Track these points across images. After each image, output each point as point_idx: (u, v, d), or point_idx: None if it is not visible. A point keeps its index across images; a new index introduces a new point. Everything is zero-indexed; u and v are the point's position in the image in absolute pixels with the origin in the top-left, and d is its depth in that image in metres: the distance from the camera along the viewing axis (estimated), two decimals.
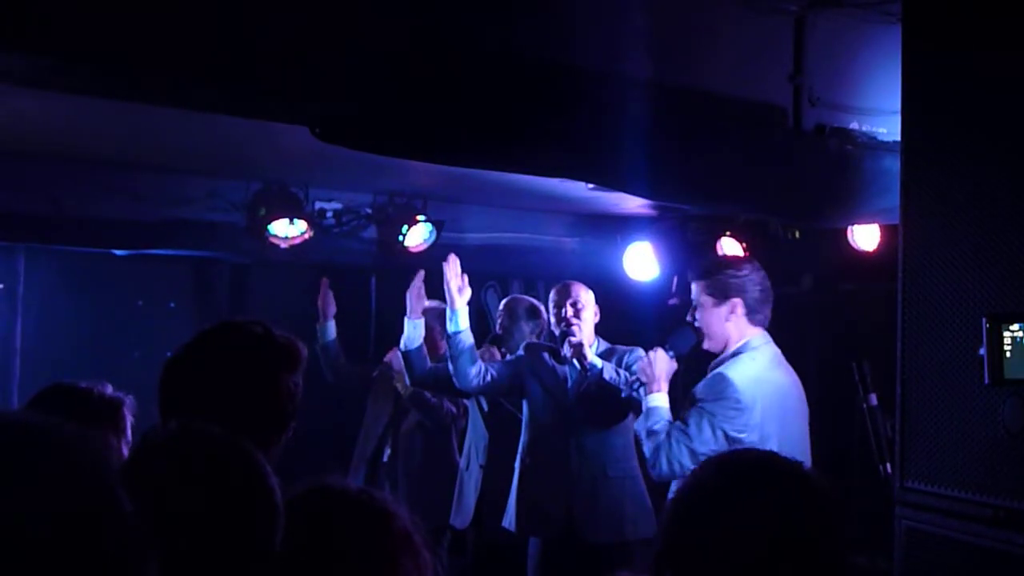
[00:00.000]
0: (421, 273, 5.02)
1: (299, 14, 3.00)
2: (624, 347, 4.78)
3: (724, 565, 1.48)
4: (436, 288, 4.92)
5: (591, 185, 5.26)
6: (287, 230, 5.83)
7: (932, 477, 2.84)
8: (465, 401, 5.53)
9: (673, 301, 6.48)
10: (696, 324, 3.85)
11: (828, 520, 1.54)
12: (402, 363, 5.15)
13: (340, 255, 6.27)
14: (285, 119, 3.71)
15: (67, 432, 0.99)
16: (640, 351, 4.67)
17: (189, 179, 5.73)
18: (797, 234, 6.00)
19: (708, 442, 3.57)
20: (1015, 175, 2.64)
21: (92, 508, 0.95)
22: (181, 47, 2.89)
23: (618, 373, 4.54)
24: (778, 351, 3.84)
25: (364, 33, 3.10)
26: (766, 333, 3.83)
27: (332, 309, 5.82)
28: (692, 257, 5.75)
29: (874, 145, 3.90)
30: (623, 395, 4.45)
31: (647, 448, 3.72)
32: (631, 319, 6.10)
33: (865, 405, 3.47)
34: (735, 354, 3.76)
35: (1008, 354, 2.47)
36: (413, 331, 4.95)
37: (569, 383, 4.75)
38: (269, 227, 5.78)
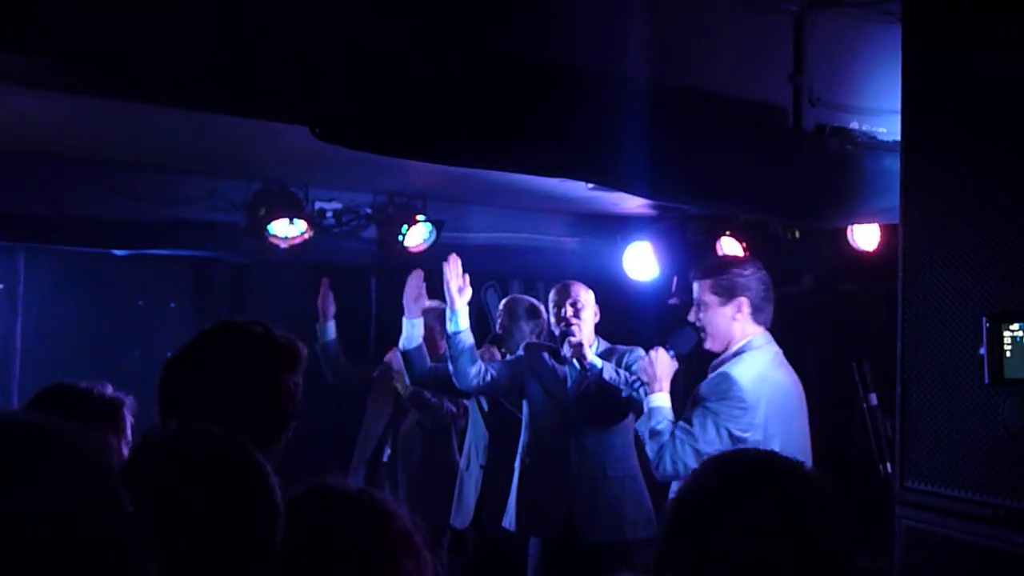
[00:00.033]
0: (419, 273, 5.02)
1: (299, 14, 3.00)
2: (624, 347, 4.78)
3: (725, 565, 1.48)
4: (436, 288, 4.92)
5: (591, 185, 5.26)
6: (287, 230, 5.83)
7: (932, 477, 2.84)
8: (465, 401, 5.53)
9: (673, 301, 6.48)
10: (699, 324, 3.85)
11: (830, 520, 1.54)
12: (402, 363, 5.15)
13: (340, 255, 6.27)
14: (285, 119, 3.71)
15: (67, 432, 0.99)
16: (640, 351, 4.66)
17: (189, 179, 5.72)
18: (797, 234, 6.00)
19: (713, 442, 3.57)
20: (1015, 175, 2.64)
21: (92, 508, 0.95)
22: (181, 47, 2.89)
23: (618, 373, 4.54)
24: (779, 351, 3.84)
25: (364, 33, 3.10)
26: (767, 333, 3.83)
27: (332, 309, 5.83)
28: (693, 257, 5.75)
29: (874, 145, 3.90)
30: (623, 395, 4.45)
31: (650, 449, 3.71)
32: (631, 319, 6.10)
33: (865, 405, 3.47)
34: (737, 353, 3.76)
35: (1008, 354, 2.47)
36: (412, 331, 4.95)
37: (569, 383, 4.75)
38: (269, 227, 5.78)
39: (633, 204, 6.13)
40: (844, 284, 6.02)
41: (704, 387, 3.73)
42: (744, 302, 3.78)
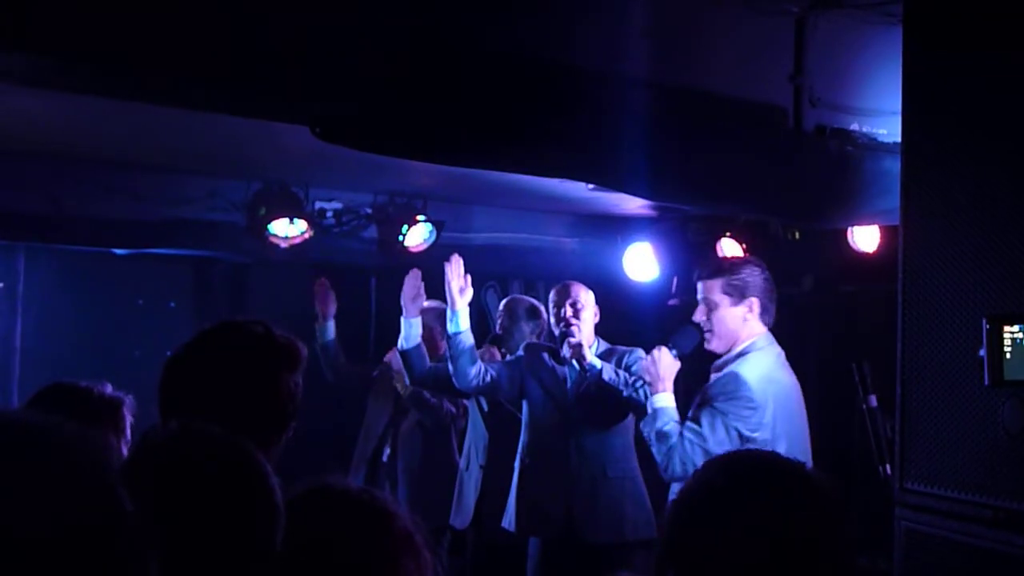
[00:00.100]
0: (417, 272, 5.02)
1: (299, 14, 3.00)
2: (624, 347, 4.78)
3: (727, 565, 1.48)
4: (437, 288, 4.92)
5: (591, 185, 5.26)
6: (287, 230, 5.83)
7: (932, 478, 2.84)
8: (465, 401, 5.53)
9: (673, 302, 6.48)
10: (706, 324, 3.82)
11: (832, 520, 1.54)
12: (401, 363, 5.15)
13: (340, 255, 6.27)
14: (285, 119, 3.71)
15: (67, 432, 0.99)
16: (640, 352, 4.66)
17: (189, 179, 5.73)
18: (797, 235, 6.00)
19: (723, 442, 3.55)
20: (1016, 176, 2.64)
21: (92, 508, 0.95)
22: (181, 47, 2.89)
23: (617, 374, 4.54)
24: (782, 351, 3.84)
25: (364, 33, 3.10)
26: (770, 334, 3.83)
27: (332, 308, 5.83)
28: (694, 258, 5.75)
29: (874, 146, 3.90)
30: (624, 394, 4.45)
31: (658, 451, 3.69)
32: (631, 319, 6.10)
33: (865, 406, 3.46)
34: (742, 354, 3.75)
35: (1008, 355, 2.47)
36: (410, 330, 4.95)
37: (569, 384, 4.75)
38: (269, 227, 5.78)
39: (633, 205, 6.13)
40: (844, 285, 6.01)
41: (712, 387, 3.72)
42: (755, 302, 3.78)
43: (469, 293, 4.76)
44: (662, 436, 3.67)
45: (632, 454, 4.79)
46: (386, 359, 5.70)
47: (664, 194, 4.70)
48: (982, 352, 2.49)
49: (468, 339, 4.75)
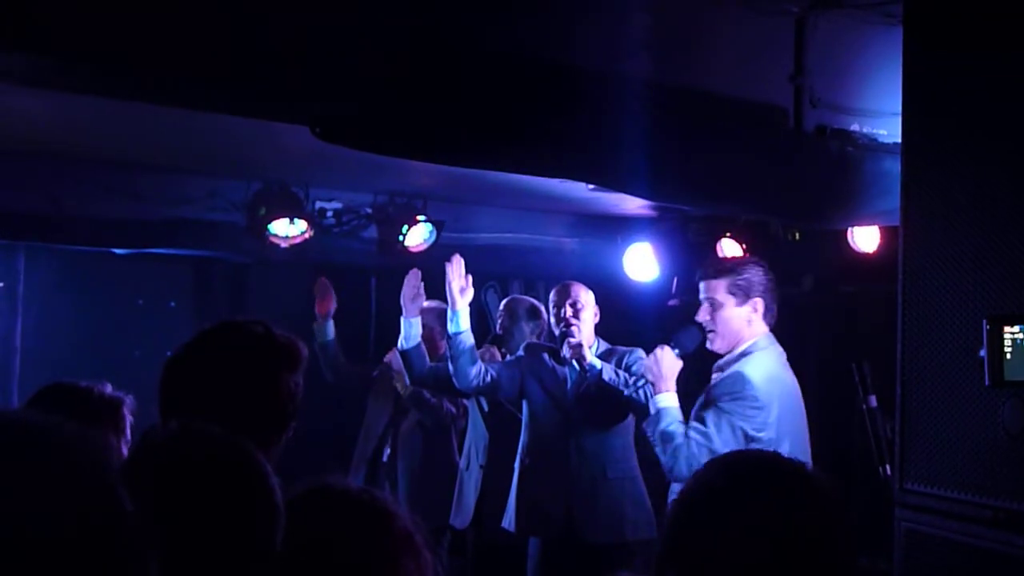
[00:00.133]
0: (416, 272, 5.02)
1: (299, 14, 3.00)
2: (624, 348, 4.78)
3: (728, 566, 1.48)
4: (437, 288, 4.92)
5: (591, 185, 5.26)
6: (287, 230, 5.83)
7: (932, 479, 2.84)
8: (465, 401, 5.53)
9: (673, 302, 6.48)
10: (709, 323, 3.81)
11: (833, 520, 1.54)
12: (401, 363, 5.15)
13: (340, 255, 6.27)
14: (285, 119, 3.71)
15: (67, 431, 0.99)
16: (640, 352, 4.67)
17: (189, 178, 5.73)
18: (797, 235, 6.00)
19: (728, 442, 3.54)
20: (1016, 176, 2.64)
21: (92, 508, 0.95)
22: (181, 47, 2.89)
23: (617, 374, 4.54)
24: (783, 351, 3.84)
25: (364, 33, 3.10)
26: (771, 334, 3.83)
27: (331, 308, 5.83)
28: (694, 258, 5.75)
29: (875, 147, 3.90)
30: (626, 393, 4.44)
31: (662, 451, 3.67)
32: (631, 319, 6.10)
33: (865, 406, 3.47)
34: (745, 354, 3.74)
35: (1008, 356, 2.47)
36: (410, 330, 4.95)
37: (569, 384, 4.75)
38: (269, 227, 5.78)
39: (633, 205, 6.13)
40: (844, 285, 6.01)
41: (717, 387, 3.70)
42: (759, 303, 3.78)
43: (470, 293, 4.75)
44: (667, 437, 3.66)
45: (632, 454, 4.79)
46: (386, 359, 5.70)
47: (664, 194, 4.70)
48: (983, 352, 2.49)
49: (468, 339, 4.74)
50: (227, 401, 2.04)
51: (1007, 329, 2.48)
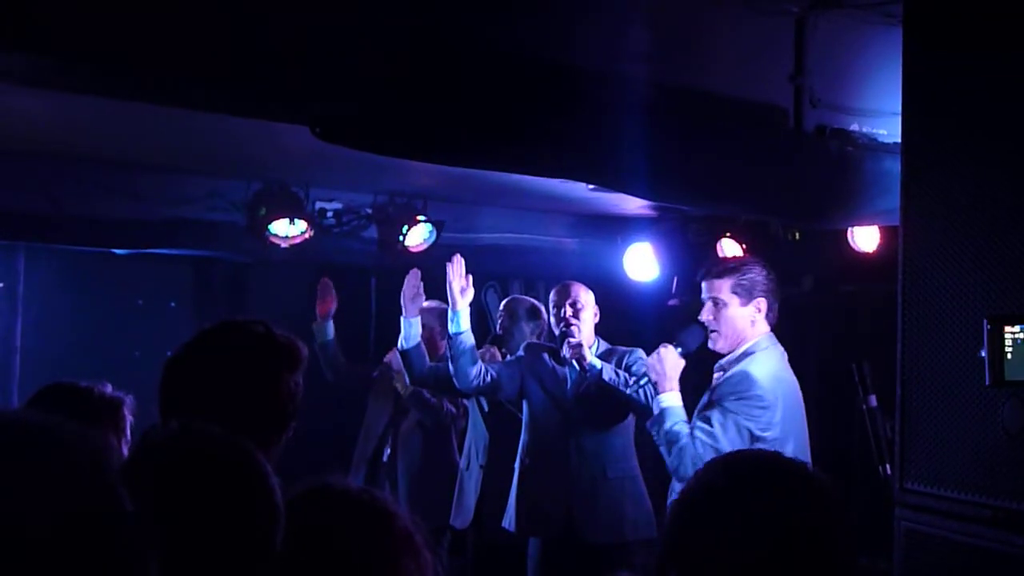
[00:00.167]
0: (416, 272, 5.02)
1: (299, 14, 3.00)
2: (624, 348, 4.78)
3: (728, 566, 1.48)
4: (438, 288, 4.91)
5: (591, 185, 5.26)
6: (287, 230, 5.83)
7: (932, 478, 2.84)
8: (465, 401, 5.53)
9: (673, 302, 6.48)
10: (712, 323, 3.80)
11: (834, 520, 1.54)
12: (401, 363, 5.15)
13: (340, 255, 6.27)
14: (285, 119, 3.71)
15: (67, 431, 0.99)
16: (640, 352, 4.67)
17: (189, 178, 5.73)
18: (797, 235, 6.00)
19: (734, 442, 3.53)
20: (1016, 176, 2.64)
21: (92, 508, 0.95)
22: (181, 47, 2.89)
23: (617, 374, 4.54)
24: (784, 351, 3.83)
25: (364, 33, 3.10)
26: (772, 334, 3.83)
27: (332, 308, 5.84)
28: (694, 258, 5.76)
29: (875, 146, 3.90)
30: (629, 391, 4.43)
31: (667, 451, 3.65)
32: (631, 319, 6.10)
33: (865, 406, 3.46)
34: (749, 353, 3.74)
35: (1009, 356, 2.47)
36: (410, 330, 4.95)
37: (569, 384, 4.75)
38: (269, 227, 5.79)
39: (633, 205, 6.13)
40: (844, 285, 6.01)
41: (722, 386, 3.69)
42: (763, 302, 3.78)
43: (470, 293, 4.75)
44: (672, 437, 3.64)
45: (632, 454, 4.79)
46: (386, 359, 5.70)
47: (664, 194, 4.70)
48: (983, 352, 2.49)
49: (469, 339, 4.74)
50: (227, 401, 2.04)
51: (1008, 329, 2.48)
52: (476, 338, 4.87)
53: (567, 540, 4.69)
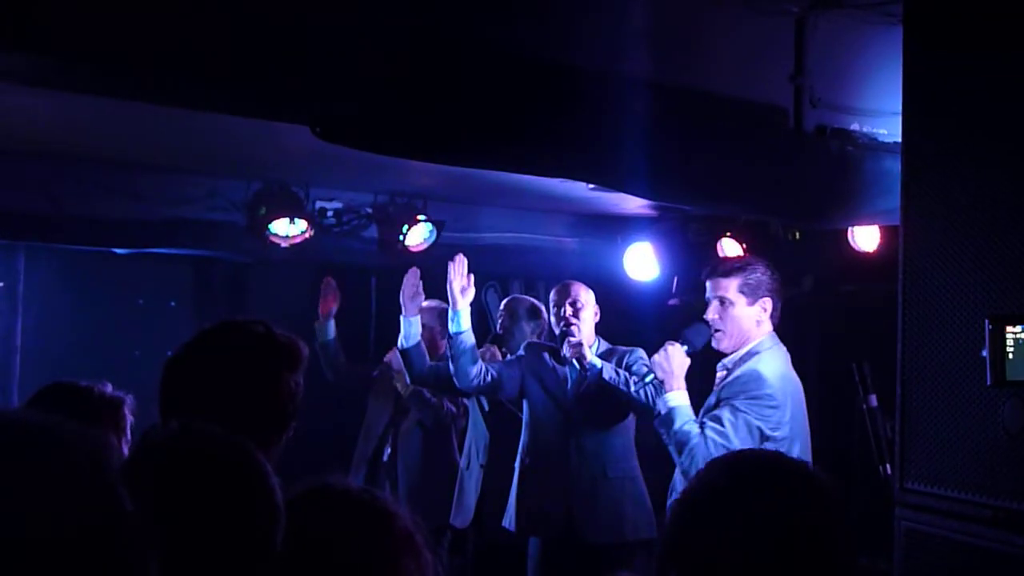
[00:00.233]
0: (415, 271, 5.02)
1: (299, 14, 3.00)
2: (624, 348, 4.78)
3: (730, 566, 1.48)
4: (438, 288, 4.91)
5: (591, 185, 5.26)
6: (288, 229, 5.84)
7: (932, 478, 2.84)
8: (465, 401, 5.53)
9: (673, 301, 6.48)
10: (718, 322, 3.79)
11: (835, 521, 1.54)
12: (401, 362, 5.15)
13: (341, 254, 6.27)
14: (286, 118, 3.71)
15: (67, 431, 0.99)
16: (641, 352, 4.67)
17: (189, 178, 5.73)
18: (797, 235, 6.00)
19: (745, 441, 3.52)
20: (1017, 176, 2.64)
21: (92, 508, 0.95)
22: (181, 47, 2.89)
23: (618, 373, 4.54)
24: (787, 351, 3.83)
25: (364, 33, 3.10)
26: (775, 334, 3.83)
27: (334, 308, 5.84)
28: (694, 258, 5.76)
29: (875, 146, 3.90)
30: (633, 390, 4.43)
31: (677, 452, 3.62)
32: (631, 319, 6.10)
33: (865, 406, 3.46)
34: (755, 353, 3.73)
35: (1010, 356, 2.47)
36: (409, 329, 4.95)
37: (569, 383, 4.75)
38: (270, 226, 5.79)
39: (633, 205, 6.13)
40: (844, 285, 6.02)
41: (731, 385, 3.68)
42: (768, 302, 3.78)
43: (471, 293, 4.75)
44: (683, 437, 3.61)
45: (632, 454, 4.79)
46: (386, 359, 5.70)
47: (664, 194, 4.70)
48: (984, 352, 2.49)
49: (469, 339, 4.74)
50: (227, 401, 2.04)
51: (1009, 329, 2.48)
52: (476, 337, 4.87)
53: (567, 540, 4.69)
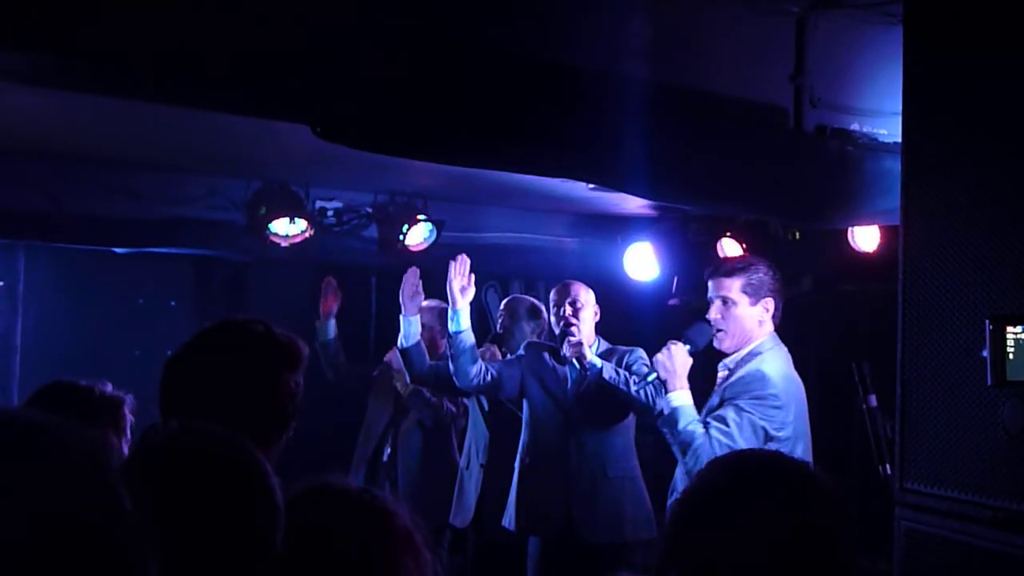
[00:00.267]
0: (414, 270, 5.02)
1: (299, 14, 3.00)
2: (624, 347, 4.78)
3: (730, 566, 1.48)
4: (438, 288, 4.91)
5: (591, 185, 5.26)
6: (288, 229, 5.84)
7: (932, 478, 2.84)
8: (465, 400, 5.53)
9: (673, 301, 6.48)
10: (720, 322, 3.79)
11: (835, 520, 1.54)
12: (401, 362, 5.15)
13: (340, 254, 6.27)
14: (286, 118, 3.71)
15: (67, 431, 0.99)
16: (641, 351, 4.67)
17: (189, 177, 5.73)
18: (797, 235, 6.00)
19: (750, 441, 3.52)
20: (1017, 176, 2.64)
21: (92, 508, 0.95)
22: (181, 47, 2.89)
23: (618, 372, 4.54)
24: (788, 351, 3.83)
25: (364, 33, 3.10)
26: (775, 334, 3.83)
27: (335, 307, 5.84)
28: (698, 257, 5.75)
29: (875, 146, 3.90)
30: (635, 389, 4.42)
31: (682, 452, 3.62)
32: (631, 319, 6.10)
33: (865, 406, 3.46)
34: (757, 353, 3.73)
35: (1011, 356, 2.47)
36: (409, 328, 4.95)
37: (569, 383, 4.75)
38: (270, 226, 5.79)
39: (634, 204, 6.13)
40: (844, 285, 6.01)
41: (735, 385, 3.68)
42: (771, 302, 3.78)
43: (471, 292, 4.75)
44: (687, 437, 3.61)
45: (632, 453, 4.79)
46: (386, 359, 5.70)
47: (664, 194, 4.70)
48: (985, 353, 2.49)
49: (469, 338, 4.75)
50: (227, 400, 2.04)
51: (1010, 329, 2.48)
52: (476, 337, 4.87)
53: (567, 539, 4.69)
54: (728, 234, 6.05)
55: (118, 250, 6.02)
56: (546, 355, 4.85)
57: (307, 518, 1.54)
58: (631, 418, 4.73)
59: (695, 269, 4.07)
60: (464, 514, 5.40)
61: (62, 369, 3.84)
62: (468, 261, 4.73)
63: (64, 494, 0.94)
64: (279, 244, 5.85)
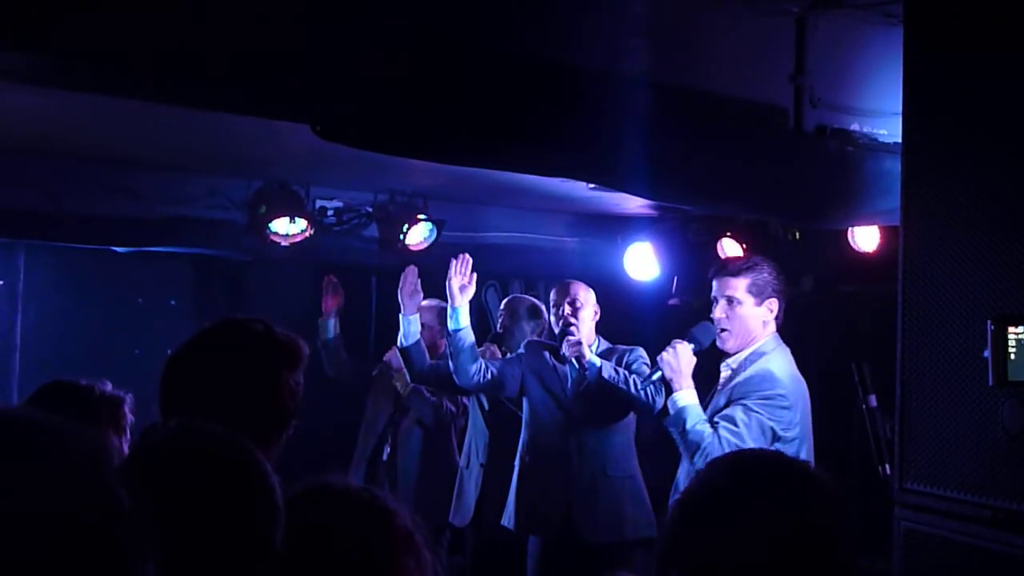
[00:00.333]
0: (413, 269, 5.02)
1: (300, 13, 3.00)
2: (624, 347, 4.78)
3: (731, 565, 1.48)
4: (438, 287, 4.91)
5: (591, 185, 5.26)
6: (288, 228, 5.83)
7: (931, 478, 2.84)
8: (465, 399, 5.53)
9: (673, 301, 6.49)
10: (724, 321, 3.78)
11: (836, 520, 1.54)
12: (401, 361, 5.15)
13: (341, 253, 6.27)
14: (286, 117, 3.71)
15: (66, 430, 0.99)
16: (640, 351, 4.67)
17: (190, 177, 5.73)
18: (797, 235, 6.00)
19: (758, 441, 3.52)
20: (1017, 176, 2.64)
21: (91, 507, 0.95)
22: (182, 47, 2.89)
23: (617, 372, 4.54)
24: (790, 352, 3.83)
25: (364, 33, 3.10)
26: (778, 335, 3.83)
27: (337, 306, 5.84)
28: (698, 257, 5.75)
29: (875, 146, 3.90)
30: (635, 388, 4.43)
31: (688, 451, 3.61)
32: (631, 319, 6.10)
33: (865, 406, 3.46)
34: (761, 353, 3.73)
35: (1012, 356, 2.47)
36: (408, 327, 4.95)
37: (569, 382, 4.75)
38: (270, 225, 5.79)
39: (634, 204, 6.13)
40: (844, 285, 6.01)
41: (743, 385, 3.67)
42: (775, 303, 3.78)
43: (470, 291, 4.75)
44: (695, 437, 3.60)
45: (632, 453, 4.79)
46: (386, 358, 5.70)
47: (664, 194, 4.69)
48: (986, 353, 2.49)
49: (468, 336, 4.75)
50: (227, 399, 2.05)
51: (1011, 329, 2.48)
52: (476, 336, 4.87)
53: (567, 539, 4.69)
54: (728, 234, 6.05)
55: (118, 249, 6.01)
56: (546, 354, 4.85)
57: (307, 518, 1.54)
58: (631, 417, 4.73)
59: (695, 269, 4.08)
60: (464, 513, 5.40)
61: (62, 368, 3.84)
62: (470, 261, 4.73)
63: (64, 494, 0.94)
64: (279, 243, 5.85)
